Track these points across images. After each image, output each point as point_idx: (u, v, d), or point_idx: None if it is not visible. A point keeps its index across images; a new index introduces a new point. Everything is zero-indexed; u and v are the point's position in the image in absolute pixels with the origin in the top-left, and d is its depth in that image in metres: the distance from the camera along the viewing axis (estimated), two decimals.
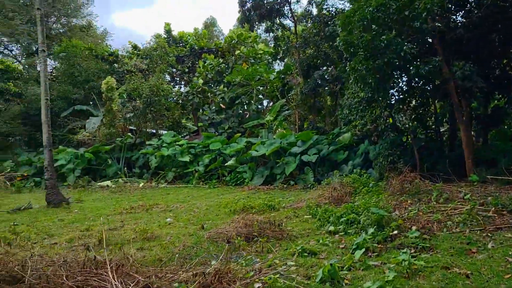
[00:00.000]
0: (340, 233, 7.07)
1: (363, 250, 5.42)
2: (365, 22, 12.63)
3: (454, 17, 15.38)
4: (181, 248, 6.75)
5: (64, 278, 4.14)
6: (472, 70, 12.65)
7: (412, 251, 5.68)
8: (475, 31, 14.45)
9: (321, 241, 6.59)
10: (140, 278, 4.86)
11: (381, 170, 13.81)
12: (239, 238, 6.73)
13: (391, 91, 15.15)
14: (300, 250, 5.94)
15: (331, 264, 4.70)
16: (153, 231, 8.24)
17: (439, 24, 13.43)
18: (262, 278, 4.63)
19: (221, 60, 26.90)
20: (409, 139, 15.47)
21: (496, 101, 17.00)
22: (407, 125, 15.60)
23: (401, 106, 15.56)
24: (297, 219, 9.13)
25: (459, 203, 8.63)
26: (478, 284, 4.34)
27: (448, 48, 13.85)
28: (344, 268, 5.15)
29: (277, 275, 4.72)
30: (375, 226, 6.67)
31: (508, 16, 13.73)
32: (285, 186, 16.36)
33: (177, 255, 6.28)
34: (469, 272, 4.64)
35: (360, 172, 13.51)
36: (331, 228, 7.30)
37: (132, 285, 4.25)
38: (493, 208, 7.58)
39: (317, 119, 23.35)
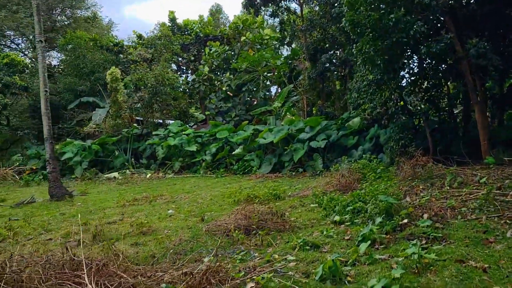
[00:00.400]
0: (346, 223, 6.63)
1: (369, 242, 4.97)
2: (372, 0, 12.03)
3: None
4: (177, 242, 6.39)
5: (36, 282, 3.81)
6: (486, 47, 11.98)
7: (423, 242, 5.23)
8: (489, 6, 13.71)
9: (325, 232, 6.16)
10: (127, 278, 4.51)
11: (392, 154, 13.31)
12: (237, 231, 6.33)
13: (402, 73, 14.56)
14: (302, 243, 5.52)
15: (332, 260, 4.28)
16: (151, 225, 7.91)
17: (450, 0, 12.69)
18: (254, 278, 4.23)
19: (226, 47, 26.31)
20: (421, 122, 14.89)
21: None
22: (418, 107, 15.01)
23: (412, 88, 14.97)
24: (303, 208, 8.72)
25: (474, 188, 8.14)
26: (496, 280, 3.88)
27: (461, 25, 13.16)
28: (348, 263, 4.73)
29: (271, 274, 4.30)
30: (383, 215, 6.22)
31: None
32: (293, 173, 15.93)
33: (171, 250, 5.92)
34: (486, 265, 4.17)
35: (370, 158, 13.00)
36: (337, 218, 6.86)
37: (112, 287, 3.89)
38: None
39: (326, 104, 22.80)
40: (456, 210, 6.52)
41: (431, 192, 8.30)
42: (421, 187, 9.28)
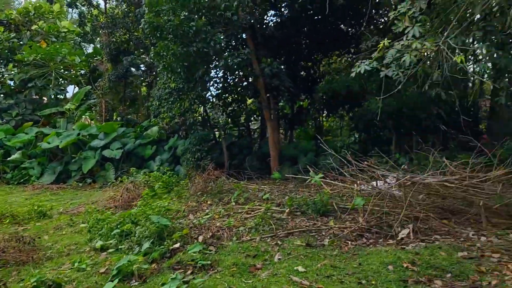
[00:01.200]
0: (110, 250, 5.53)
1: (117, 281, 3.98)
2: (174, 4, 11.40)
3: (268, 13, 15.41)
4: None
5: None
6: (279, 68, 12.60)
7: (189, 272, 4.54)
8: (284, 31, 14.67)
9: (77, 264, 4.95)
10: None
11: (188, 167, 12.83)
12: None
13: (208, 85, 14.38)
14: (36, 283, 4.21)
15: None
16: None
17: (251, 19, 12.98)
18: None
19: (12, 35, 22.31)
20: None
21: (301, 102, 17.78)
22: (217, 121, 15.04)
23: (216, 101, 14.96)
24: (70, 229, 7.28)
25: (258, 204, 8.03)
26: None
27: (260, 44, 13.63)
28: None
29: None
30: (153, 239, 5.37)
31: (312, 21, 14.24)
32: (80, 184, 14.07)
33: None
34: None
35: (164, 170, 12.20)
36: (99, 243, 5.72)
37: None
38: (288, 209, 7.10)
39: (129, 110, 21.34)
40: (233, 230, 6.12)
41: (216, 208, 7.90)
42: (209, 202, 8.89)
